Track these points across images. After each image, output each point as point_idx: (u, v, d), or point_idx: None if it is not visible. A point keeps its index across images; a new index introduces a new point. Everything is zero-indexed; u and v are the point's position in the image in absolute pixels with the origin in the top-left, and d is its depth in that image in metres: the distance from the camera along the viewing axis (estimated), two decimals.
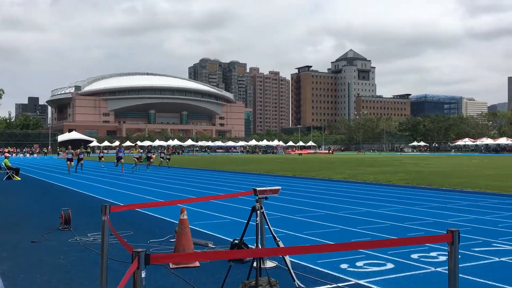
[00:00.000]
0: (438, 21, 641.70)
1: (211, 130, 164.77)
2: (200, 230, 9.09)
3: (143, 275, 2.81)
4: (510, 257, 6.80)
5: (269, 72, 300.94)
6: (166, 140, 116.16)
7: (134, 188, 19.02)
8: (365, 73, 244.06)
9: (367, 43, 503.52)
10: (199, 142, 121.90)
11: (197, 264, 6.47)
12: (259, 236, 5.29)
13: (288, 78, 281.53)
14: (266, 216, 5.44)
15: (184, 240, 6.66)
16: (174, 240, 7.12)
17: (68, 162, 29.75)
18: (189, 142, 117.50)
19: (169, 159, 39.94)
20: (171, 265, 6.33)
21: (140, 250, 2.82)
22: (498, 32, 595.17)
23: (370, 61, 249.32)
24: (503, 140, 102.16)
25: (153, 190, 17.96)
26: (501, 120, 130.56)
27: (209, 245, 7.64)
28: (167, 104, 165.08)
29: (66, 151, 32.12)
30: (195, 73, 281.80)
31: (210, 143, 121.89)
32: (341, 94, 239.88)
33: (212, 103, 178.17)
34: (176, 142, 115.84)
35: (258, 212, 5.18)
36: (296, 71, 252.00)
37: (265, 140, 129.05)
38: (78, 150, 34.65)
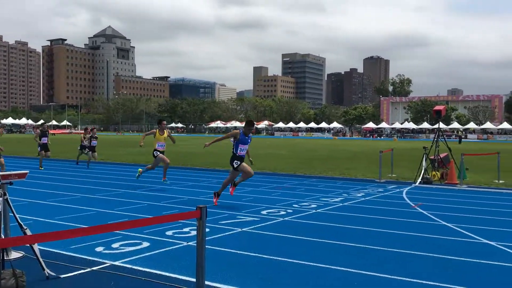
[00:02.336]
0: (191, 8, 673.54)
1: None
2: None
3: None
4: (250, 227, 7.77)
5: (16, 42, 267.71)
6: None
7: None
8: (125, 52, 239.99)
9: (125, 22, 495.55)
10: None
11: None
12: (2, 225, 4.77)
13: (39, 50, 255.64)
14: (10, 203, 4.93)
15: None
16: None
17: None
18: None
19: None
20: None
21: None
22: (245, 24, 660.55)
23: (129, 40, 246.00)
24: None
25: None
26: (247, 105, 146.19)
27: None
28: None
29: None
30: None
31: None
32: (99, 72, 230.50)
33: None
34: None
35: (1, 199, 4.65)
36: (48, 43, 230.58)
37: (10, 118, 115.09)
38: None
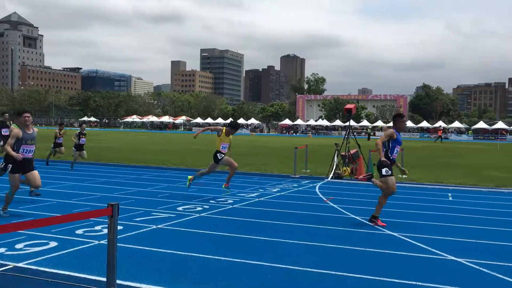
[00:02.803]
0: None
1: None
2: None
3: None
4: (165, 224, 7.67)
5: None
6: None
7: None
8: (32, 41, 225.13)
9: (32, 8, 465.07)
10: None
11: None
12: None
13: None
14: None
15: None
16: None
17: None
18: None
19: None
20: None
21: None
22: (163, 17, 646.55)
23: (37, 28, 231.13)
24: (165, 118, 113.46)
25: None
26: (164, 100, 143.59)
27: None
28: None
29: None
30: None
31: None
32: (3, 61, 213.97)
33: None
34: None
35: None
36: None
37: None
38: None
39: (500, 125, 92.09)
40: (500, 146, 47.43)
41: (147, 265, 5.45)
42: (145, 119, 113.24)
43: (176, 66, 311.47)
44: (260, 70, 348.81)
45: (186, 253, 5.96)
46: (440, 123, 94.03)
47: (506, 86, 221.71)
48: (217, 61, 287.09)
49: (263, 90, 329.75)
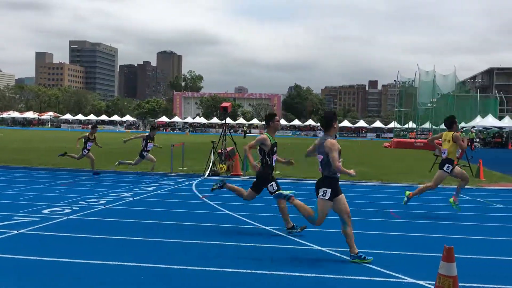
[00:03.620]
0: None
1: None
2: None
3: None
4: (28, 228, 7.07)
5: None
6: None
7: None
8: None
9: None
10: None
11: None
12: None
13: None
14: None
15: None
16: None
17: None
18: None
19: None
20: None
21: None
22: (27, 4, 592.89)
23: None
24: (30, 114, 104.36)
25: None
26: (28, 94, 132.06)
27: None
28: None
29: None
30: None
31: None
32: None
33: None
34: None
35: None
36: None
37: None
38: None
39: (362, 123, 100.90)
40: (361, 142, 51.93)
41: (8, 273, 4.99)
42: (5, 115, 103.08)
43: (42, 57, 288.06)
44: (136, 65, 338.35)
45: (52, 259, 5.56)
46: (310, 122, 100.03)
47: (367, 88, 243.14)
48: (88, 54, 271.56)
49: (139, 86, 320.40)
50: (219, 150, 16.02)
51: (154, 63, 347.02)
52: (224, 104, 16.53)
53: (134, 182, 13.07)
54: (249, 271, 5.33)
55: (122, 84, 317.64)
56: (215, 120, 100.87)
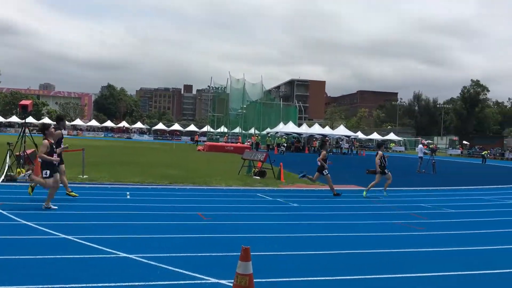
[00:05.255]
0: None
1: None
2: None
3: None
4: None
5: None
6: None
7: None
8: None
9: None
10: None
11: None
12: None
13: None
14: None
15: None
16: None
17: None
18: None
19: None
20: None
21: None
22: None
23: None
24: None
25: None
26: None
27: None
28: None
29: None
30: None
31: None
32: None
33: None
34: None
35: None
36: None
37: None
38: None
39: (176, 126, 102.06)
40: (175, 145, 52.48)
41: None
42: None
43: None
44: None
45: None
46: (124, 123, 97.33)
47: (182, 92, 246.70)
48: None
49: None
50: (17, 153, 14.43)
51: None
52: (24, 102, 14.99)
53: None
54: (46, 286, 4.90)
55: None
56: (14, 118, 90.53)
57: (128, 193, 12.41)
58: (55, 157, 9.40)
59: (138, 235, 7.48)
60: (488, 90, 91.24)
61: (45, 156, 9.09)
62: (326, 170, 13.75)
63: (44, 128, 9.41)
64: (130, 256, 6.23)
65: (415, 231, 9.03)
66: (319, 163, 13.84)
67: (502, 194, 16.71)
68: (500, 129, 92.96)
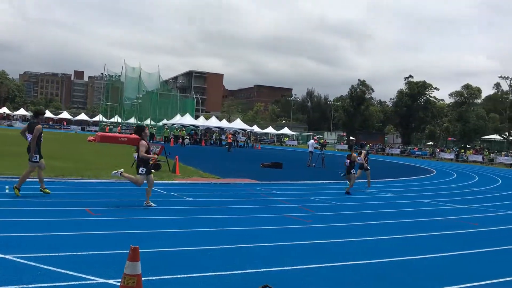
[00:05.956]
0: None
1: None
2: None
3: None
4: None
5: None
6: None
7: None
8: None
9: None
10: None
11: None
12: None
13: None
14: None
15: None
16: None
17: None
18: None
19: None
20: None
21: None
22: None
23: None
24: None
25: None
26: None
27: None
28: None
29: None
30: None
31: None
32: None
33: None
34: None
35: None
36: None
37: None
38: None
39: (65, 115, 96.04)
40: (64, 135, 49.37)
41: None
42: None
43: None
44: None
45: None
46: (5, 110, 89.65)
47: (72, 78, 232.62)
48: None
49: None
50: None
51: None
52: None
53: None
54: None
55: None
56: None
57: (7, 186, 11.43)
58: (153, 156, 10.32)
59: (16, 234, 6.92)
60: (373, 90, 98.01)
61: (146, 154, 9.88)
62: (353, 170, 15.37)
63: (140, 130, 10.35)
64: (6, 256, 5.75)
65: (303, 224, 9.45)
66: (348, 164, 15.27)
67: (382, 188, 18.14)
68: (382, 127, 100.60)
